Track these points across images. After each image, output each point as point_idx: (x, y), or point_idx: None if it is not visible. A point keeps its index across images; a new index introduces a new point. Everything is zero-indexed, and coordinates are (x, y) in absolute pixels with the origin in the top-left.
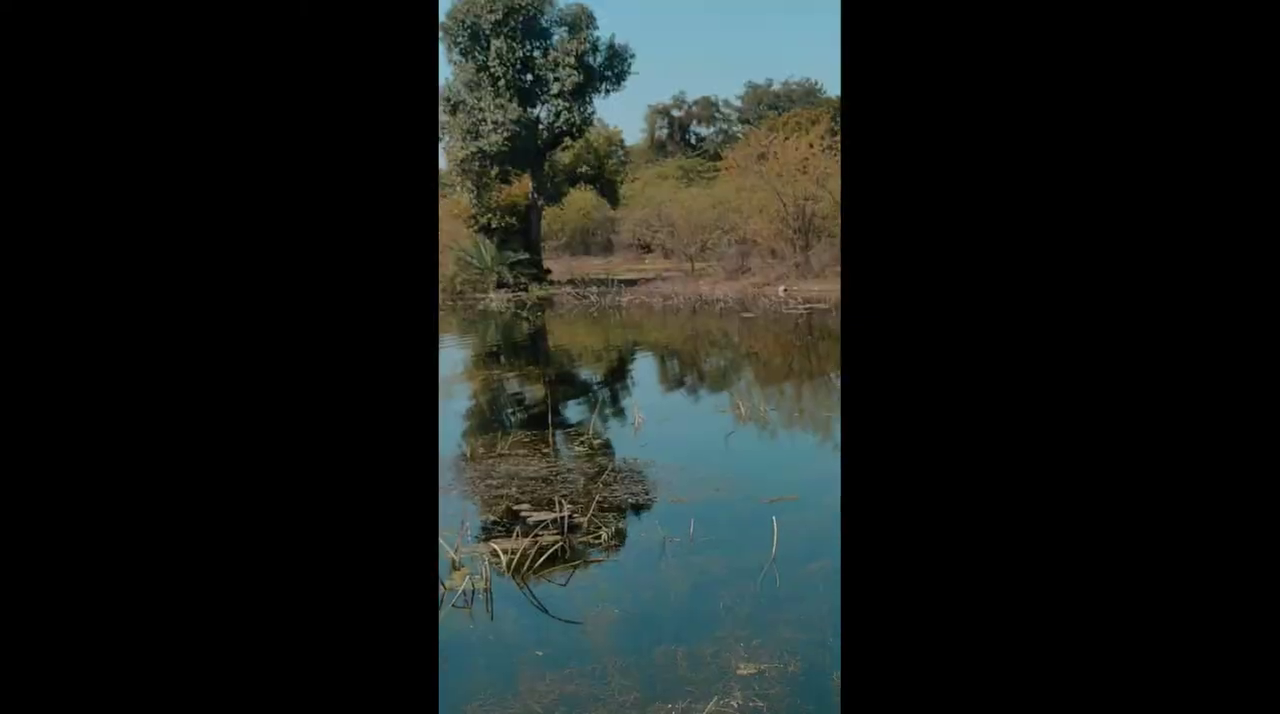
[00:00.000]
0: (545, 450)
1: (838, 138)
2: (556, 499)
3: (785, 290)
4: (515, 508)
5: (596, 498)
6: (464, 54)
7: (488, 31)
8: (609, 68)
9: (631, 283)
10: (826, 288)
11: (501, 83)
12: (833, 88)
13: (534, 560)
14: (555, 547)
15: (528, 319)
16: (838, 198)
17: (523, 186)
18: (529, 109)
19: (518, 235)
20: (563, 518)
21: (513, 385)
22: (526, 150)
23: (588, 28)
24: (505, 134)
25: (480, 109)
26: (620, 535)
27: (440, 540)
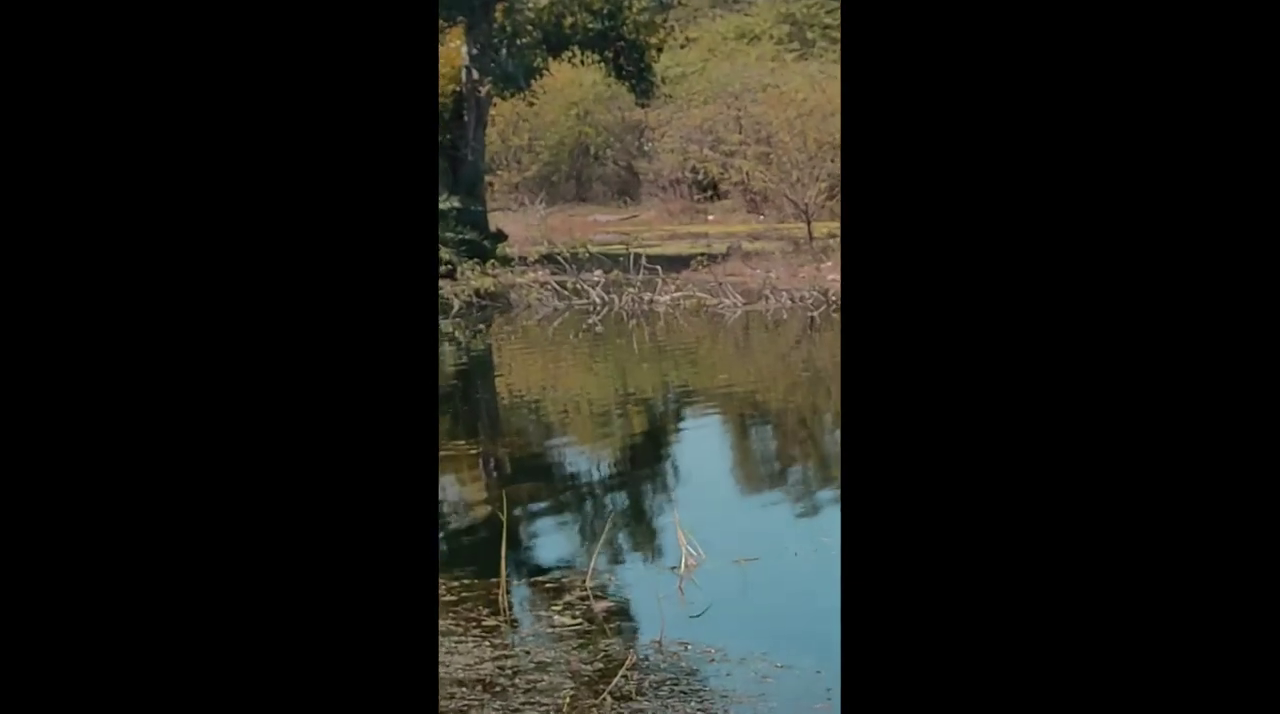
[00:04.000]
0: (491, 621)
1: None
2: None
3: None
4: None
5: None
6: None
7: None
8: None
9: (679, 262)
10: None
11: None
12: None
13: None
14: None
15: (455, 339)
16: None
17: (449, 56)
18: None
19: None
20: None
21: None
22: None
23: None
24: None
25: None
26: None
27: None
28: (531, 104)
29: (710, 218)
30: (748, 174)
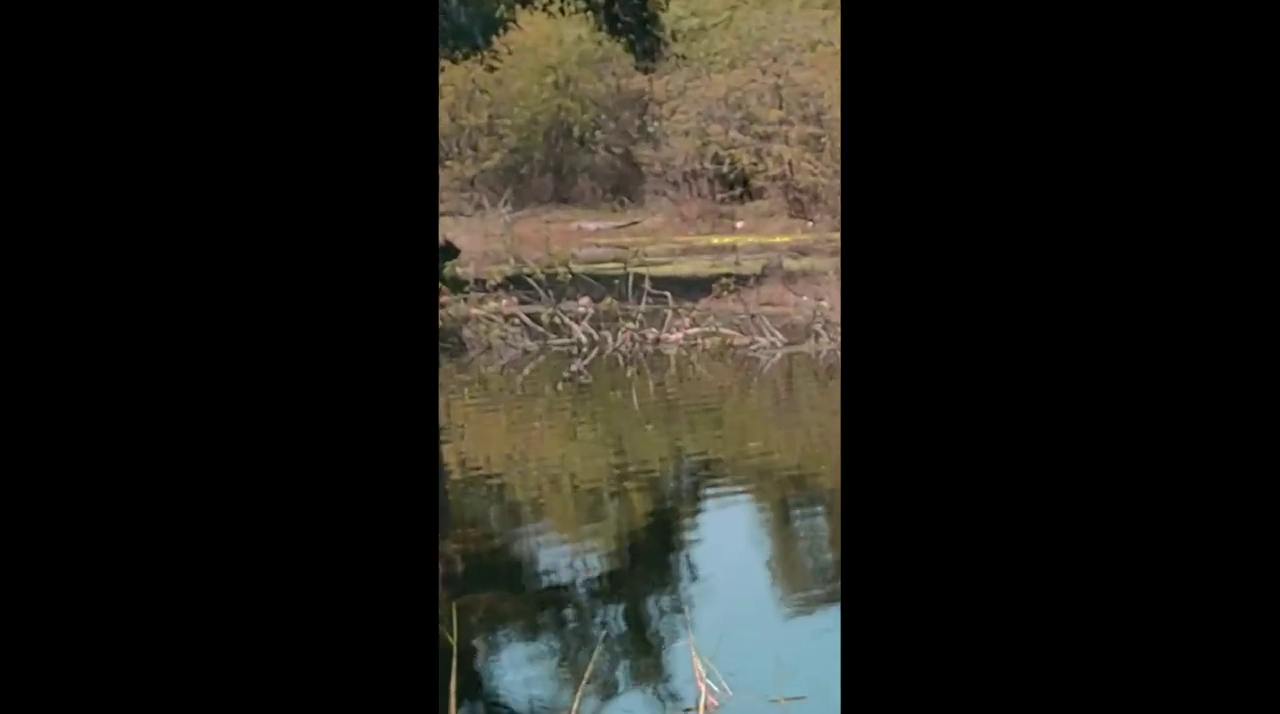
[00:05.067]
0: None
1: None
2: None
3: None
4: None
5: None
6: None
7: None
8: None
9: (696, 286)
10: None
11: None
12: None
13: None
14: None
15: None
16: None
17: None
18: None
19: None
20: None
21: None
22: None
23: None
24: None
25: None
26: None
27: None
28: (493, 69)
29: (739, 225)
30: (790, 164)
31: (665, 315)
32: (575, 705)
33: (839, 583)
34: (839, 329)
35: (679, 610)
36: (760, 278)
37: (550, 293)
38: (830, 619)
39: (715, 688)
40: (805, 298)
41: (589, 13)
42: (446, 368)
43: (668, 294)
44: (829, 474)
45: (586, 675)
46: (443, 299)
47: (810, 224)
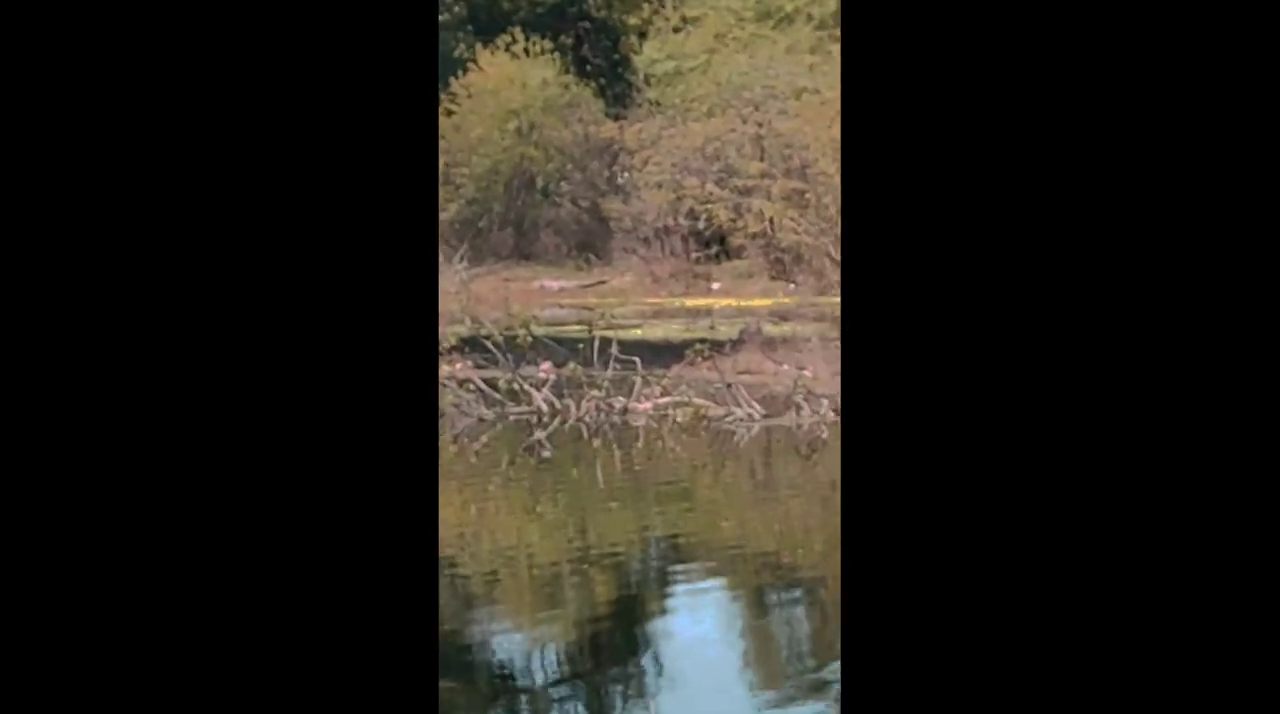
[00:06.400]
0: None
1: None
2: None
3: None
4: None
5: None
6: None
7: None
8: None
9: (667, 352)
10: None
11: None
12: None
13: None
14: None
15: None
16: None
17: None
18: None
19: None
20: None
21: None
22: None
23: None
24: None
25: None
26: None
27: None
28: (450, 113)
29: (715, 286)
30: (772, 221)
31: (634, 383)
32: None
33: (818, 677)
34: (821, 401)
35: (645, 708)
36: (737, 344)
37: (509, 357)
38: None
39: None
40: (786, 366)
41: (555, 54)
42: None
43: (636, 360)
44: (808, 559)
45: None
46: None
47: (792, 286)
